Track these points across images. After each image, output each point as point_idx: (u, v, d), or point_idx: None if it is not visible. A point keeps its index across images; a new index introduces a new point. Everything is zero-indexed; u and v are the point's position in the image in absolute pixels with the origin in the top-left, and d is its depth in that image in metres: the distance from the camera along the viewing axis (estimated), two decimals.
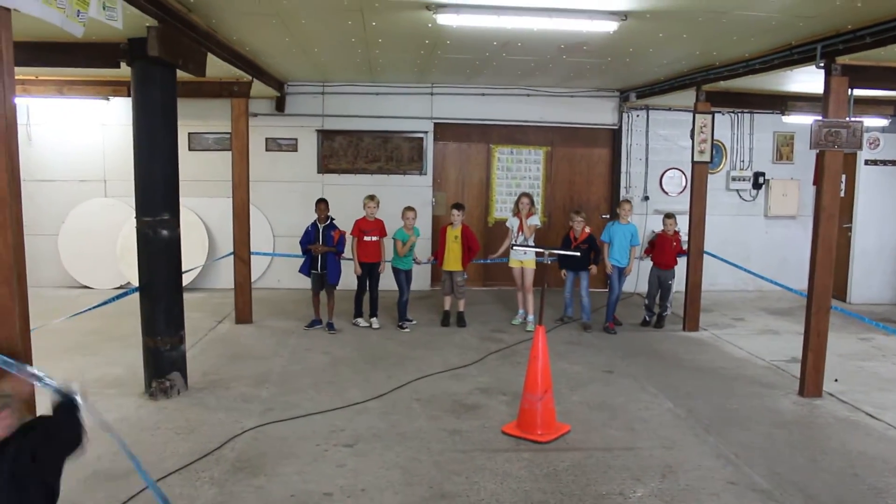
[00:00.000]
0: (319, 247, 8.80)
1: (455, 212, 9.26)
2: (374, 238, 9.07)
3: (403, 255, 9.12)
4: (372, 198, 9.15)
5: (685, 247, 9.51)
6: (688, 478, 5.03)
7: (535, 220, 9.38)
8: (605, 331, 9.17)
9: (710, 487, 4.90)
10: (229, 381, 6.95)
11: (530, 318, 9.32)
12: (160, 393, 6.32)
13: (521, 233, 9.24)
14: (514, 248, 9.02)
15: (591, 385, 7.09)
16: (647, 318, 9.71)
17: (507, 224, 9.63)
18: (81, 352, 7.73)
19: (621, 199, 10.91)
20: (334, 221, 8.97)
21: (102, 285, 11.18)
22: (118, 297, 7.20)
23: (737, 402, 6.65)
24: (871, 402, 6.69)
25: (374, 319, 9.24)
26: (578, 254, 8.25)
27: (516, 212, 9.38)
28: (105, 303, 7.18)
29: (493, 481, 4.91)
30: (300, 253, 9.10)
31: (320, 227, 8.85)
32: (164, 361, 6.36)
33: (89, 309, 6.94)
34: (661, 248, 9.50)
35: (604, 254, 9.40)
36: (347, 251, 9.03)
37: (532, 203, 9.34)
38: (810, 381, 6.84)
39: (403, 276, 9.16)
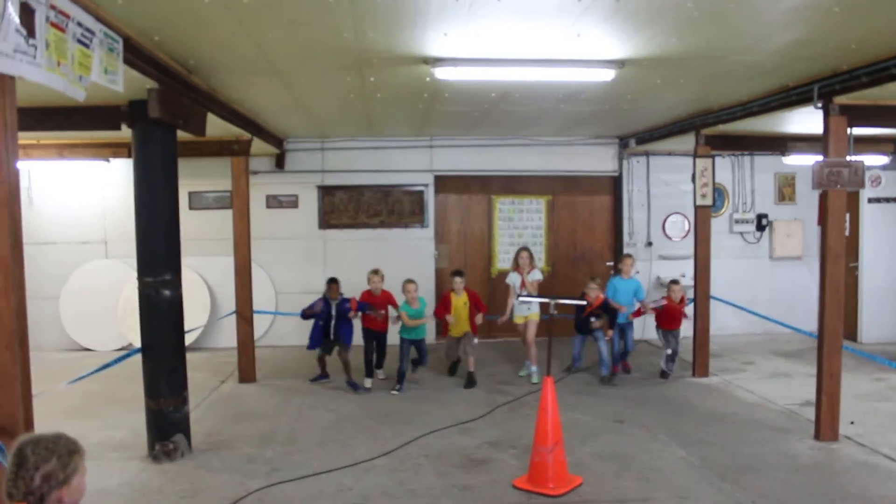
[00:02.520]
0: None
1: (457, 279, 9.02)
2: (381, 314, 8.88)
3: (410, 329, 8.76)
4: (376, 272, 8.98)
5: (690, 305, 9.46)
6: None
7: (537, 275, 9.20)
8: (624, 371, 9.46)
9: None
10: (233, 441, 6.84)
11: (533, 368, 9.12)
12: (163, 456, 6.20)
13: (523, 289, 9.06)
14: (520, 300, 8.78)
15: (602, 435, 6.96)
16: (666, 370, 9.23)
17: (508, 281, 9.33)
18: (83, 415, 7.61)
19: (623, 253, 10.74)
20: (345, 296, 8.81)
21: (104, 347, 11.09)
22: (120, 359, 7.11)
23: (751, 448, 6.51)
24: (889, 444, 6.54)
25: (378, 371, 9.12)
26: (585, 302, 8.28)
27: (516, 267, 9.20)
28: (106, 366, 7.02)
29: None
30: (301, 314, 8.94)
31: (332, 303, 8.68)
32: (167, 423, 6.26)
33: (91, 373, 6.85)
34: (671, 315, 9.27)
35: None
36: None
37: (531, 257, 9.20)
38: (825, 424, 6.71)
39: (406, 347, 8.75)
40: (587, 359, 9.44)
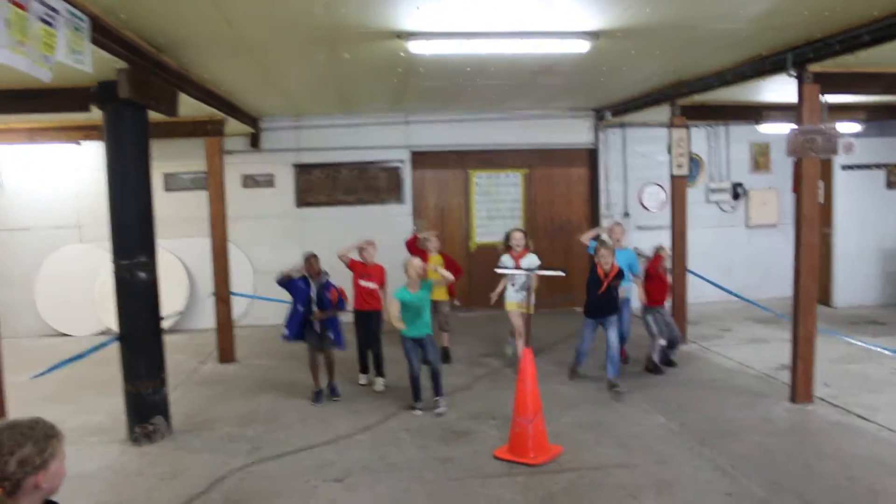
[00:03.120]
0: (319, 313, 7.28)
1: (432, 238, 8.57)
2: (372, 286, 7.85)
3: (409, 322, 6.94)
4: (371, 243, 8.01)
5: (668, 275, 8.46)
6: (684, 492, 4.98)
7: (535, 261, 7.93)
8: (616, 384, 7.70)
9: (707, 501, 4.84)
10: (214, 421, 6.83)
11: (519, 342, 8.19)
12: (143, 438, 6.19)
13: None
14: (514, 286, 7.83)
15: (582, 405, 7.03)
16: (656, 363, 8.12)
17: (500, 264, 7.96)
18: (60, 401, 7.55)
19: (613, 223, 9.52)
20: (329, 278, 7.47)
21: (81, 332, 11.01)
22: (99, 346, 7.02)
23: (730, 412, 6.61)
24: (861, 405, 6.68)
25: (379, 380, 7.84)
26: (563, 273, 6.81)
27: (508, 249, 8.10)
28: (82, 355, 6.90)
29: None
30: (280, 297, 8.02)
31: (314, 285, 7.34)
32: (146, 406, 6.24)
33: (69, 361, 6.80)
34: (659, 286, 8.16)
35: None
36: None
37: (527, 237, 8.19)
38: (801, 387, 6.83)
39: (410, 346, 6.96)
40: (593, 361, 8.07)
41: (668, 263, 8.39)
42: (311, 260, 7.42)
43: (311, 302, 7.32)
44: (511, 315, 8.22)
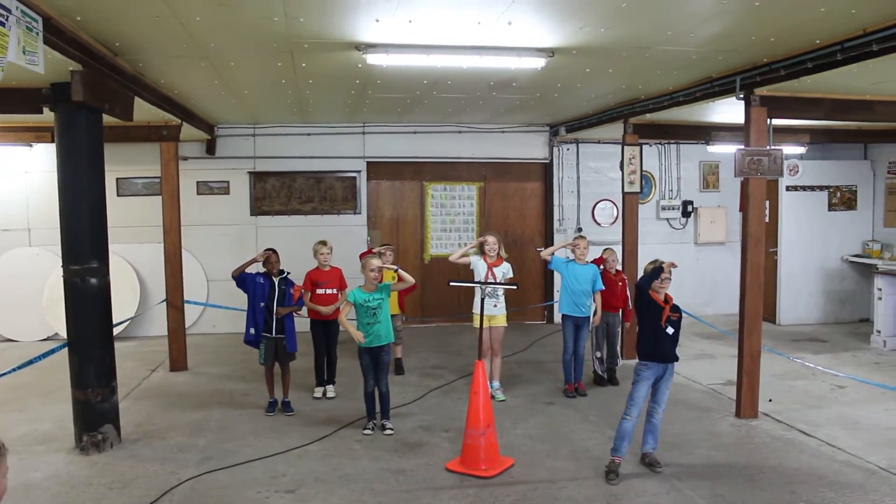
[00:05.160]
0: (281, 309, 7.15)
1: (388, 251, 8.39)
2: (331, 291, 7.71)
3: (364, 329, 6.54)
4: (324, 243, 7.77)
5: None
6: None
7: (508, 271, 7.63)
8: (575, 391, 7.86)
9: None
10: (165, 430, 6.74)
11: (495, 384, 7.72)
12: (92, 447, 6.08)
13: (490, 277, 7.44)
14: (486, 292, 7.11)
15: (534, 417, 7.10)
16: (602, 374, 8.28)
17: (472, 267, 7.68)
18: (5, 408, 7.40)
19: (575, 235, 9.31)
20: (289, 275, 7.37)
21: (28, 337, 10.77)
22: (48, 353, 6.81)
23: (677, 426, 6.73)
24: (804, 420, 6.87)
25: (329, 387, 7.85)
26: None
27: (482, 254, 7.61)
28: (30, 361, 6.68)
29: None
30: (240, 307, 7.77)
31: (275, 280, 7.21)
32: (95, 414, 6.13)
33: (16, 368, 6.63)
34: (607, 288, 8.04)
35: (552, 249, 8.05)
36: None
37: (500, 246, 7.63)
38: (746, 402, 6.99)
39: (368, 358, 6.61)
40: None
41: (615, 265, 8.36)
42: (272, 257, 7.28)
43: (272, 298, 7.15)
44: (482, 335, 6.42)
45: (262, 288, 7.18)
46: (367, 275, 6.59)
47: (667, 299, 5.75)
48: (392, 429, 6.64)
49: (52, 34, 4.70)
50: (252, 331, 7.22)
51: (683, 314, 5.79)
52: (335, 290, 7.75)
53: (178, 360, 9.09)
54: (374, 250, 8.55)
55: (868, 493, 5.20)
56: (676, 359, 5.75)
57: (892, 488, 5.30)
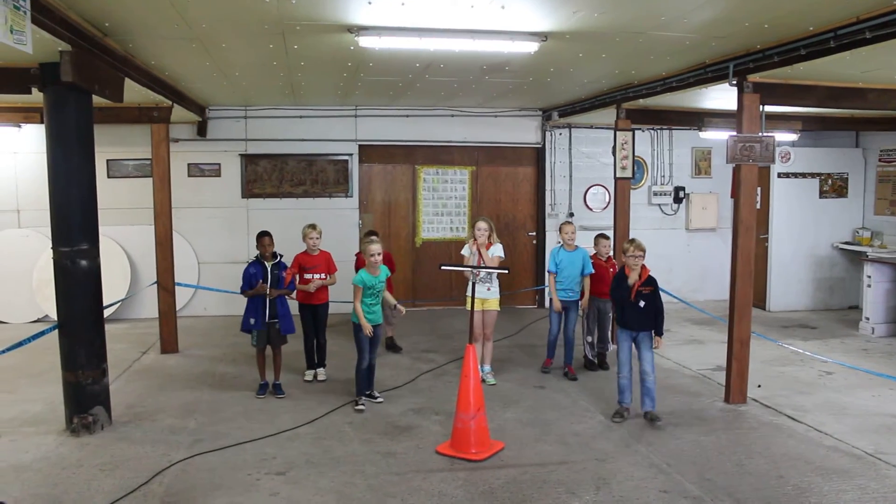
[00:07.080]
0: (274, 290, 7.20)
1: (374, 238, 7.88)
2: (318, 276, 7.72)
3: (372, 306, 6.93)
4: (313, 227, 7.75)
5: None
6: (621, 489, 5.09)
7: (499, 251, 7.74)
8: (565, 375, 8.00)
9: (643, 497, 4.96)
10: (155, 412, 6.75)
11: (486, 368, 7.85)
12: (82, 429, 6.08)
13: (481, 262, 7.52)
14: (477, 278, 6.93)
15: (524, 401, 7.13)
16: (591, 358, 8.43)
17: (463, 252, 7.86)
18: None
19: (562, 221, 9.74)
20: (283, 259, 7.43)
21: (17, 319, 10.74)
22: (38, 334, 6.80)
23: (666, 411, 6.76)
24: (792, 406, 6.92)
25: (320, 370, 7.92)
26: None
27: (473, 241, 7.70)
28: (20, 343, 6.64)
29: (429, 502, 4.88)
30: (231, 290, 7.93)
31: (268, 265, 7.24)
32: (85, 396, 6.12)
33: (4, 351, 6.62)
34: (598, 275, 8.14)
35: (551, 287, 8.06)
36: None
37: (492, 230, 7.70)
38: (735, 388, 7.03)
39: (365, 337, 6.86)
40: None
41: (603, 253, 8.40)
42: (264, 240, 7.31)
43: (266, 281, 7.20)
44: (472, 316, 6.69)
45: (256, 277, 7.23)
46: (369, 260, 6.84)
47: (641, 275, 6.54)
48: (381, 398, 7.10)
49: (41, 13, 4.64)
50: (252, 320, 7.23)
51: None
52: (323, 276, 7.77)
53: (168, 343, 9.08)
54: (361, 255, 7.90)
55: (854, 478, 5.26)
56: (650, 328, 6.57)
57: (878, 473, 5.36)
